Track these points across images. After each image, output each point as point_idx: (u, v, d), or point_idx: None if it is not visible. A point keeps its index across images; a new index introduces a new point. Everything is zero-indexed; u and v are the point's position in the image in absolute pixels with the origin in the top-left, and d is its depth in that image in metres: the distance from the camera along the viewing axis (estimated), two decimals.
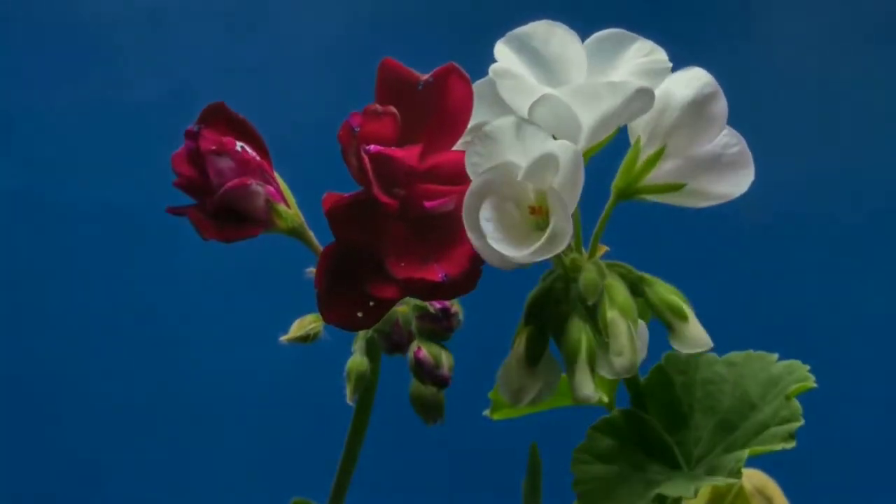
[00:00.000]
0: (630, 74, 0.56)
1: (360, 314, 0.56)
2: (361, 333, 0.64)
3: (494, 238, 0.53)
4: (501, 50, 0.57)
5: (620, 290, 0.57)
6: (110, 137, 1.40)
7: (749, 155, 0.58)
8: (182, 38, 1.41)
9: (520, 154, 0.54)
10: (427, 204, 0.56)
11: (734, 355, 0.64)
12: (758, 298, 1.33)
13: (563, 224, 0.53)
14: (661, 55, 0.57)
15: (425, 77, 0.58)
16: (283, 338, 0.63)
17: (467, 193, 0.54)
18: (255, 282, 1.33)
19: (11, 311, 1.40)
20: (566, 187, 0.53)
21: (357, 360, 0.64)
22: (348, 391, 0.63)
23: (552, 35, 0.57)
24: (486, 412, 0.73)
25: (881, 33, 1.39)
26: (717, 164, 0.58)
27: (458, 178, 0.56)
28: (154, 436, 1.39)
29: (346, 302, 0.56)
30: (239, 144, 0.60)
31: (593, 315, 0.58)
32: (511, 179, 0.54)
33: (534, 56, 0.57)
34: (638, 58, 0.57)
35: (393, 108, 0.57)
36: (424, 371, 0.63)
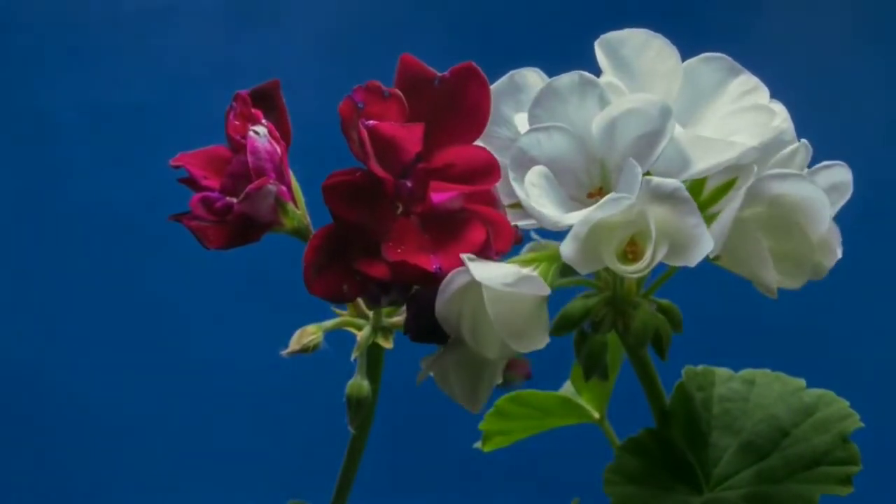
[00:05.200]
0: (735, 117, 0.55)
1: (345, 286, 0.55)
2: (362, 341, 0.62)
3: (538, 202, 0.51)
4: (597, 50, 0.56)
5: None
6: (111, 137, 1.41)
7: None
8: (181, 37, 1.42)
9: (586, 117, 0.53)
10: (435, 198, 0.55)
11: (750, 373, 0.63)
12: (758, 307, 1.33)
13: (630, 188, 0.50)
14: (763, 96, 0.55)
15: (442, 74, 0.58)
16: (284, 352, 0.61)
17: (515, 149, 0.52)
18: (257, 282, 1.33)
19: (14, 310, 1.40)
20: (643, 151, 0.51)
21: (356, 383, 0.62)
22: (349, 417, 0.62)
23: (648, 47, 0.55)
24: (477, 444, 0.72)
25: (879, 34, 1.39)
26: None
27: (471, 177, 0.56)
28: (154, 436, 1.39)
29: (333, 274, 0.55)
30: (265, 121, 0.59)
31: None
32: (574, 152, 0.53)
33: (623, 63, 0.55)
34: (741, 96, 0.55)
35: (399, 92, 0.57)
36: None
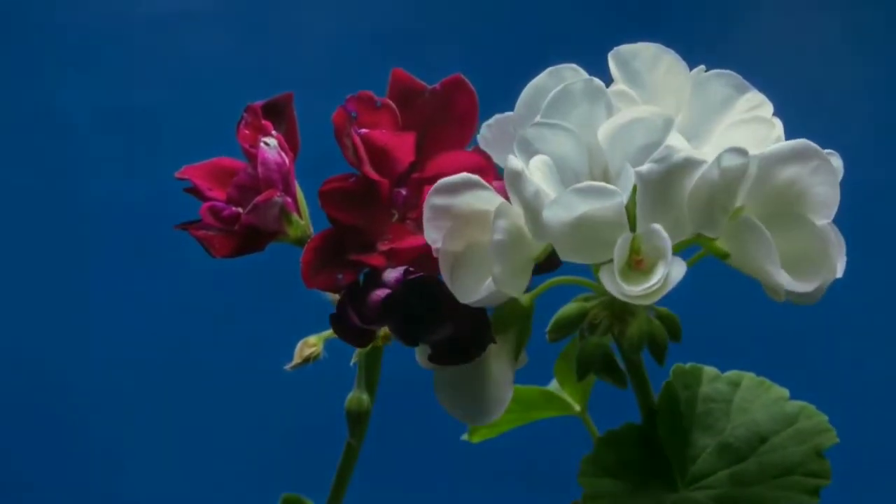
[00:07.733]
0: (736, 128, 0.55)
1: (340, 275, 0.57)
2: (360, 350, 0.64)
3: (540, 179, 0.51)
4: (610, 61, 0.56)
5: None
6: (125, 138, 1.42)
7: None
8: (192, 42, 1.43)
9: (593, 122, 0.53)
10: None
11: (737, 375, 0.62)
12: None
13: (626, 187, 0.51)
14: (766, 110, 0.56)
15: (432, 86, 0.60)
16: (288, 366, 0.63)
17: (520, 136, 0.52)
18: (261, 282, 1.33)
19: (24, 308, 1.42)
20: (643, 160, 0.51)
21: (356, 397, 0.64)
22: (350, 430, 0.64)
23: (659, 61, 0.55)
24: (465, 436, 0.73)
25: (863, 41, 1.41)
26: None
27: None
28: (155, 432, 1.41)
29: (329, 267, 0.57)
30: (275, 132, 0.60)
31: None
32: (577, 153, 0.53)
33: (634, 75, 0.56)
34: (746, 111, 0.55)
35: (391, 102, 0.58)
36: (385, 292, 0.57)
